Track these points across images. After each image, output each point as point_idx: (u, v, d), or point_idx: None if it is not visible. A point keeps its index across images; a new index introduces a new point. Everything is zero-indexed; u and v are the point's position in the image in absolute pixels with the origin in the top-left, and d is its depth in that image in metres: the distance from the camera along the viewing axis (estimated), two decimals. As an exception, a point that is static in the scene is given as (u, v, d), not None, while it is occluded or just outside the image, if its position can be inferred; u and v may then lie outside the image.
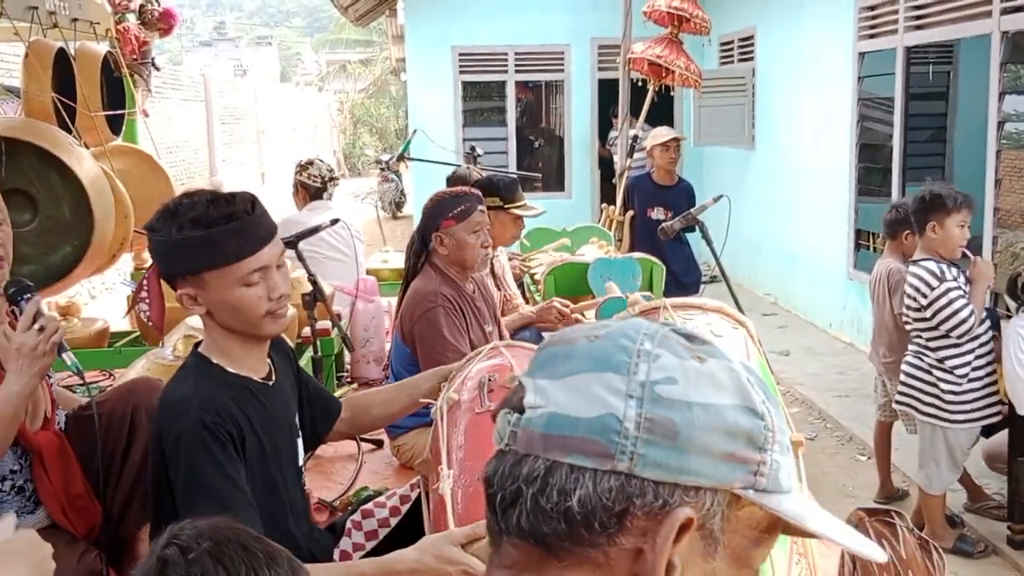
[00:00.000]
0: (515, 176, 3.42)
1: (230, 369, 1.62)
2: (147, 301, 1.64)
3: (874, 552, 0.67)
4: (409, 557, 1.48)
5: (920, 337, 3.33)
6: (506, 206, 3.20)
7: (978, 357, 3.25)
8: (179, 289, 1.59)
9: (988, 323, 3.30)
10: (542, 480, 0.62)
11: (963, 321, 3.13)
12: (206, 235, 1.52)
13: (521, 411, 0.65)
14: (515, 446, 0.65)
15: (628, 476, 0.61)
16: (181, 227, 1.52)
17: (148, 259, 4.77)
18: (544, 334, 3.27)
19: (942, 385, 3.26)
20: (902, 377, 3.43)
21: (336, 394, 3.24)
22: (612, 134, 6.96)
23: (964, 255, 3.26)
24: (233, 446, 1.53)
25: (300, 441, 1.79)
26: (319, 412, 1.89)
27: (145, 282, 1.63)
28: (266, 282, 1.58)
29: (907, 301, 3.31)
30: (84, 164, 3.08)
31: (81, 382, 1.86)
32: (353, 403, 2.00)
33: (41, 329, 1.68)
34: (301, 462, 1.82)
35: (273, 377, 1.70)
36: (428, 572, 1.43)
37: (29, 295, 1.75)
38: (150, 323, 1.66)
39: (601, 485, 0.61)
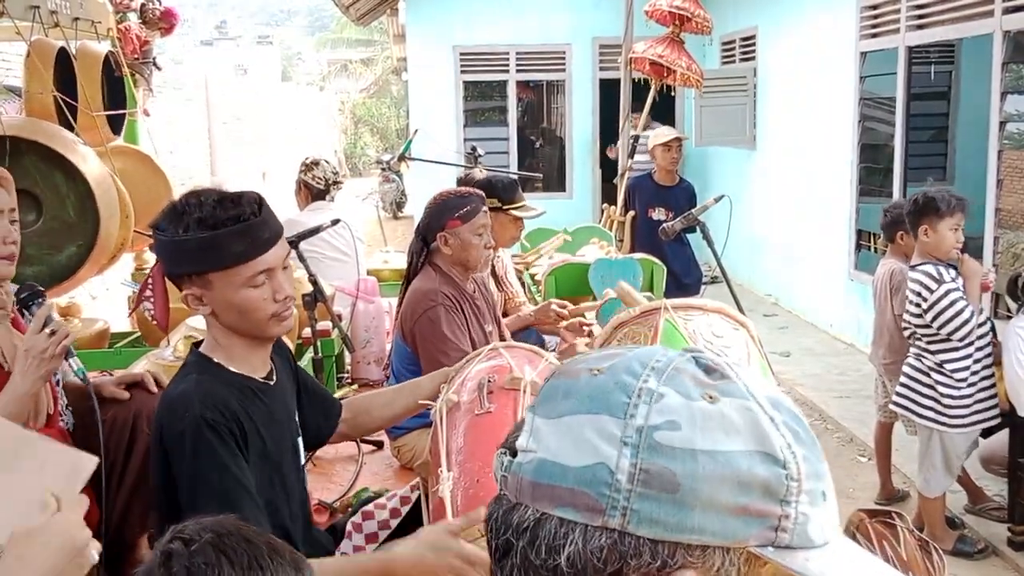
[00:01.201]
0: (514, 177, 3.41)
1: (231, 368, 1.62)
2: (151, 300, 1.64)
3: None
4: (408, 552, 1.48)
5: (920, 340, 3.33)
6: (505, 207, 3.19)
7: (976, 361, 3.24)
8: (184, 289, 1.59)
9: (988, 326, 3.29)
10: (531, 532, 0.58)
11: (965, 322, 3.13)
12: (212, 236, 1.51)
13: (515, 453, 0.60)
14: (507, 492, 0.60)
15: (621, 533, 0.55)
16: (187, 227, 1.52)
17: (149, 259, 4.77)
18: (544, 336, 3.27)
19: (940, 388, 3.26)
20: (901, 379, 3.43)
21: (337, 395, 3.25)
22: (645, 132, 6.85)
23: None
24: (236, 443, 1.53)
25: (301, 441, 1.79)
26: (321, 413, 1.89)
27: (150, 281, 1.64)
28: (271, 284, 1.58)
29: (909, 307, 3.31)
30: (89, 163, 3.07)
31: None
32: (353, 405, 2.00)
33: (52, 333, 1.70)
34: (303, 462, 1.82)
35: (274, 377, 1.70)
36: (426, 565, 1.42)
37: (41, 300, 1.80)
38: (154, 321, 1.67)
39: (592, 543, 0.56)
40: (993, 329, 3.35)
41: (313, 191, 4.09)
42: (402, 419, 2.07)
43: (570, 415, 0.59)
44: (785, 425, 0.58)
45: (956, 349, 3.23)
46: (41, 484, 1.06)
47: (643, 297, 3.10)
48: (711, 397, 0.58)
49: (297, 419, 1.79)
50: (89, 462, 1.12)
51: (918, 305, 3.25)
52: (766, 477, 0.56)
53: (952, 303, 3.15)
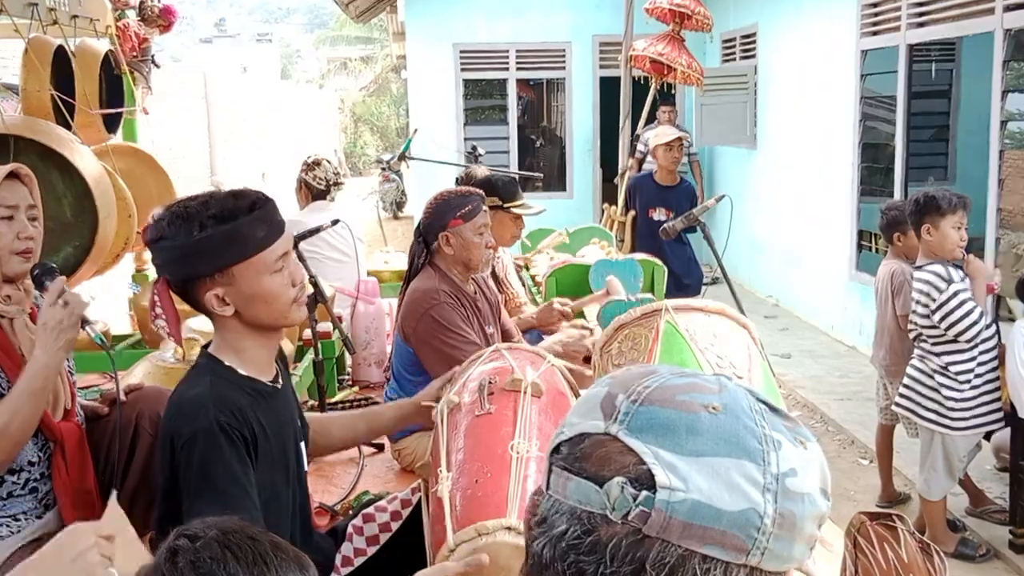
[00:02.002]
0: (514, 175, 3.40)
1: (241, 371, 1.61)
2: (163, 317, 1.63)
3: None
4: None
5: (925, 342, 3.32)
6: (505, 205, 3.18)
7: (981, 364, 3.23)
8: (205, 291, 1.54)
9: (993, 327, 3.28)
10: (670, 568, 0.61)
11: (974, 323, 3.12)
12: (233, 227, 1.51)
13: (651, 488, 0.61)
14: (641, 526, 0.61)
15: (753, 569, 0.62)
16: (203, 226, 1.50)
17: (150, 259, 4.73)
18: (546, 338, 3.25)
19: (943, 391, 3.25)
20: (905, 380, 3.42)
21: (338, 397, 3.25)
22: (647, 133, 6.83)
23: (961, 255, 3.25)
24: (246, 449, 1.53)
25: (303, 446, 1.79)
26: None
27: (156, 299, 1.62)
28: (287, 268, 1.60)
29: (916, 307, 3.29)
30: (87, 162, 3.06)
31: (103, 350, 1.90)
32: (314, 424, 1.95)
33: (65, 304, 1.73)
34: (305, 467, 1.81)
35: (280, 380, 1.70)
36: None
37: (53, 276, 1.83)
38: (170, 338, 1.67)
39: None
40: (998, 331, 3.34)
41: (314, 191, 4.08)
42: (357, 444, 2.07)
43: (712, 457, 0.63)
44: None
45: (961, 351, 3.21)
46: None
47: (621, 288, 3.12)
48: (802, 443, 0.66)
49: (300, 425, 1.78)
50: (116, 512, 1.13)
51: (926, 306, 3.24)
52: (824, 511, 0.66)
53: (961, 303, 3.13)
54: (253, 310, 1.57)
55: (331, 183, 4.06)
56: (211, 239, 1.51)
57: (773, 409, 0.67)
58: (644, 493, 0.61)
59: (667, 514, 0.61)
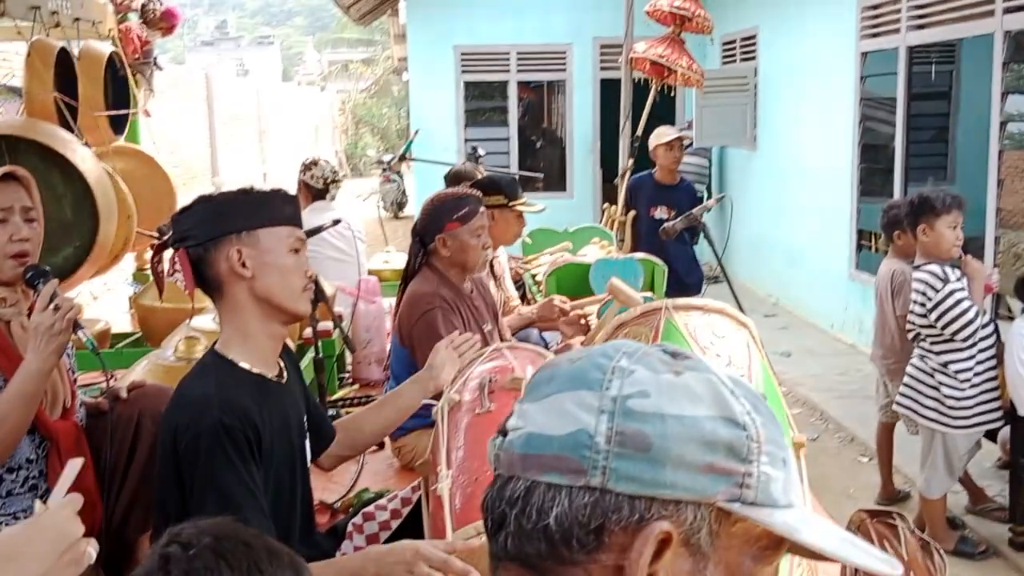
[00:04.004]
0: (513, 175, 3.42)
1: (246, 366, 1.62)
2: (181, 272, 1.66)
3: (884, 567, 0.63)
4: (388, 546, 1.51)
5: (924, 341, 3.33)
6: (510, 203, 3.20)
7: (980, 363, 3.24)
8: (228, 249, 1.60)
9: (992, 326, 3.29)
10: (523, 500, 0.63)
11: (969, 323, 3.13)
12: (264, 194, 1.64)
13: (505, 434, 0.66)
14: (500, 469, 0.66)
15: (602, 491, 0.61)
16: (244, 191, 1.65)
17: (150, 260, 4.75)
18: (545, 335, 3.27)
19: (944, 390, 3.26)
20: (905, 379, 3.43)
21: (338, 395, 3.26)
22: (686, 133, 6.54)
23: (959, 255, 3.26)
24: (250, 449, 1.53)
25: (308, 443, 1.80)
26: (315, 432, 1.89)
27: (175, 259, 1.66)
28: (303, 257, 1.67)
29: (913, 307, 3.31)
30: (87, 163, 3.07)
31: (97, 360, 1.90)
32: (345, 425, 2.00)
33: (56, 308, 1.73)
34: (309, 463, 1.82)
35: (285, 376, 1.71)
36: (396, 554, 1.44)
37: (46, 278, 1.82)
38: (186, 291, 1.68)
39: (576, 501, 0.61)
40: (997, 330, 3.35)
41: (313, 191, 4.10)
42: (392, 429, 2.09)
43: (555, 395, 0.65)
44: (744, 397, 0.65)
45: (960, 350, 3.22)
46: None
47: (635, 293, 3.13)
48: (677, 372, 0.64)
49: (306, 420, 1.79)
50: (74, 464, 1.09)
51: (922, 305, 3.25)
52: (729, 438, 0.62)
53: (957, 303, 3.14)
54: (268, 279, 1.62)
55: (329, 181, 4.08)
56: (244, 201, 1.63)
57: (673, 353, 0.67)
58: (499, 439, 0.67)
59: (510, 451, 0.65)
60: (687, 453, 0.61)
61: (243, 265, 1.60)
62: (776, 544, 0.65)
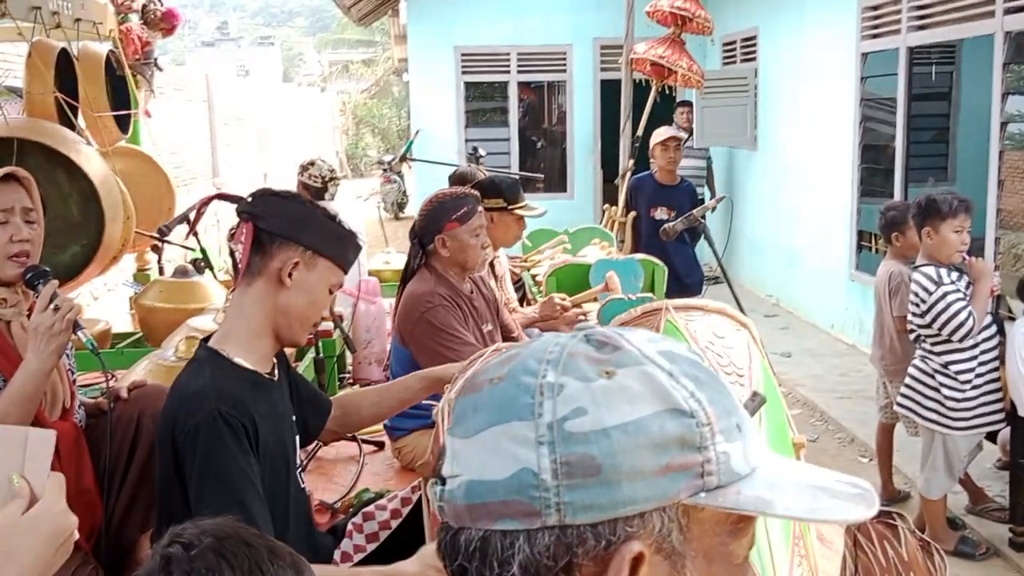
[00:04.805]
0: (516, 177, 3.42)
1: (240, 361, 1.63)
2: (240, 243, 1.66)
3: (858, 513, 0.59)
4: (410, 569, 1.49)
5: (925, 343, 3.33)
6: (510, 207, 3.20)
7: (982, 364, 3.24)
8: (289, 255, 1.64)
9: (994, 328, 3.29)
10: (480, 552, 0.59)
11: (961, 324, 3.13)
12: (345, 232, 1.71)
13: (444, 481, 0.62)
14: (447, 519, 0.62)
15: (561, 528, 0.57)
16: (330, 216, 1.70)
17: (151, 260, 4.74)
18: (546, 334, 3.27)
19: (944, 391, 3.25)
20: (906, 380, 3.43)
21: (338, 394, 3.25)
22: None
23: (962, 258, 3.25)
24: (247, 439, 1.54)
25: (297, 439, 1.80)
26: (311, 410, 1.91)
27: (241, 232, 1.66)
28: (332, 300, 1.77)
29: (912, 308, 3.31)
30: (92, 163, 3.07)
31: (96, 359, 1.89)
32: (343, 402, 2.02)
33: (56, 309, 1.74)
34: (299, 460, 1.82)
35: (276, 374, 1.72)
36: None
37: (46, 279, 1.83)
38: (240, 265, 1.69)
39: (537, 545, 0.57)
40: (1001, 329, 3.34)
41: (312, 191, 4.12)
42: (390, 417, 2.10)
43: (483, 430, 0.60)
44: (685, 375, 0.60)
45: (962, 351, 3.22)
46: None
47: (619, 284, 3.16)
48: (608, 373, 0.59)
49: (295, 418, 1.80)
50: (47, 435, 1.06)
51: (917, 306, 3.26)
52: (679, 431, 0.58)
53: (948, 306, 3.14)
54: (297, 299, 1.66)
55: (326, 180, 4.11)
56: (327, 226, 1.68)
57: (600, 343, 0.62)
58: (438, 488, 0.62)
59: (453, 502, 0.60)
60: (639, 462, 0.57)
61: (290, 276, 1.64)
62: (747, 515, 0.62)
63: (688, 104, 7.93)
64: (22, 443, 1.02)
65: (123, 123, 3.64)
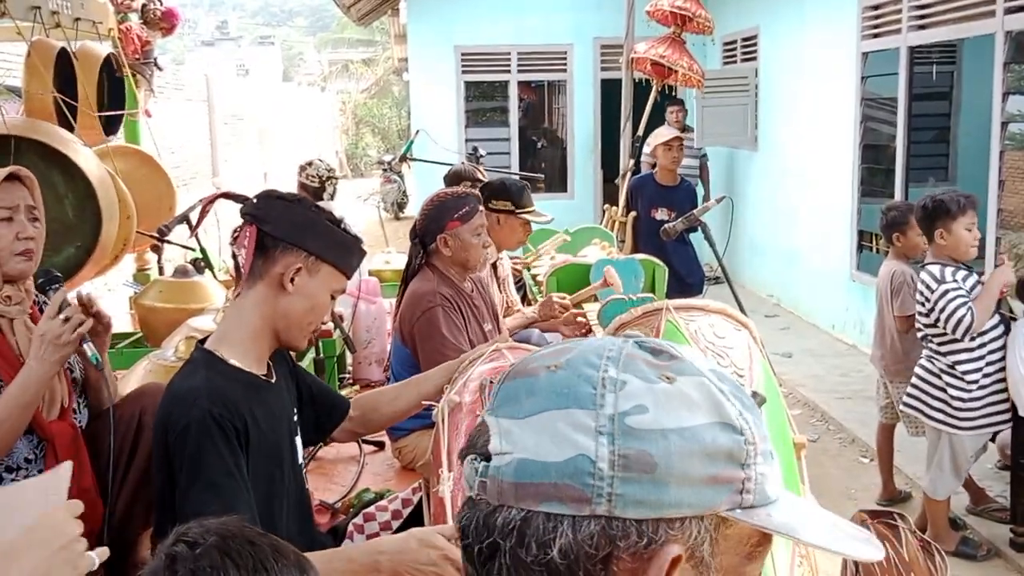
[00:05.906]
0: (525, 182, 3.42)
1: (235, 363, 1.63)
2: (244, 248, 1.65)
3: (870, 553, 0.61)
4: (393, 540, 1.51)
5: (932, 342, 3.32)
6: (517, 211, 3.20)
7: (989, 364, 3.23)
8: (292, 260, 1.63)
9: (1001, 328, 3.28)
10: (518, 532, 0.59)
11: (960, 320, 3.13)
12: (350, 238, 1.69)
13: (488, 457, 0.62)
14: (486, 496, 0.61)
15: (608, 519, 0.58)
16: (332, 220, 1.68)
17: (151, 260, 4.73)
18: (547, 335, 3.27)
19: (951, 391, 3.25)
20: (912, 380, 3.42)
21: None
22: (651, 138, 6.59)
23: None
24: (238, 440, 1.54)
25: (299, 440, 1.80)
26: (323, 410, 1.91)
27: (245, 236, 1.65)
28: (333, 306, 1.74)
29: (918, 307, 3.32)
30: (89, 163, 3.07)
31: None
32: (361, 402, 2.02)
33: (66, 319, 1.72)
34: (300, 460, 1.82)
35: (273, 376, 1.72)
36: (410, 554, 1.45)
37: (57, 285, 1.84)
38: (243, 266, 1.69)
39: (582, 532, 0.58)
40: (1008, 329, 3.34)
41: (310, 190, 4.13)
42: (409, 414, 2.09)
43: (540, 412, 0.61)
44: (733, 395, 0.62)
45: (968, 351, 3.22)
46: (24, 524, 1.02)
47: (618, 278, 3.16)
48: (668, 378, 0.61)
49: (296, 419, 1.79)
50: (64, 470, 1.08)
51: (923, 305, 3.26)
52: (729, 445, 0.60)
53: (948, 303, 3.14)
54: (297, 304, 1.65)
55: (324, 179, 4.12)
56: (331, 231, 1.67)
57: (654, 351, 0.63)
58: (482, 464, 0.62)
59: (498, 479, 0.60)
60: (690, 468, 0.59)
61: (292, 281, 1.63)
62: (766, 539, 0.64)
63: (680, 102, 7.91)
64: (43, 489, 1.06)
65: (111, 125, 3.62)
